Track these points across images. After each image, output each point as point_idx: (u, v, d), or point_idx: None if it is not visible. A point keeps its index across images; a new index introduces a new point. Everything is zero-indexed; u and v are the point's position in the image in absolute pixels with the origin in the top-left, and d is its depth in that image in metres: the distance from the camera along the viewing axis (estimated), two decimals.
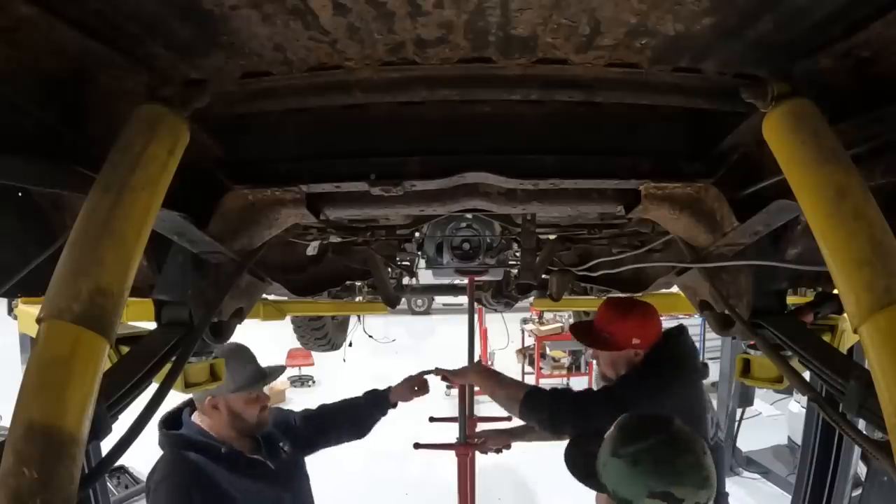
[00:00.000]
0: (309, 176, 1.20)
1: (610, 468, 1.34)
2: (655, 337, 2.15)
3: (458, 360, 3.61)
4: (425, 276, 3.13)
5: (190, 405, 2.03)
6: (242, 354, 2.04)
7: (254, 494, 1.90)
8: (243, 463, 1.93)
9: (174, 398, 1.40)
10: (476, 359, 3.24)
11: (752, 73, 0.90)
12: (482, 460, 3.06)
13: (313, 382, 9.78)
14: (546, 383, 9.43)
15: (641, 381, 2.07)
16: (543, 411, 2.07)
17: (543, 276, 2.51)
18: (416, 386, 2.66)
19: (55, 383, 0.66)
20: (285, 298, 2.89)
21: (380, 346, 6.21)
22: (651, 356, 2.14)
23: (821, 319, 1.58)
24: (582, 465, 1.49)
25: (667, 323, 2.32)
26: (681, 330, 2.25)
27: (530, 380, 9.51)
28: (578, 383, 9.55)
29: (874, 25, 0.76)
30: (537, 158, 1.19)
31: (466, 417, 2.99)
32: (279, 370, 2.13)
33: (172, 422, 1.99)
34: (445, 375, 2.62)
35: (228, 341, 1.46)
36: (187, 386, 1.56)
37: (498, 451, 2.83)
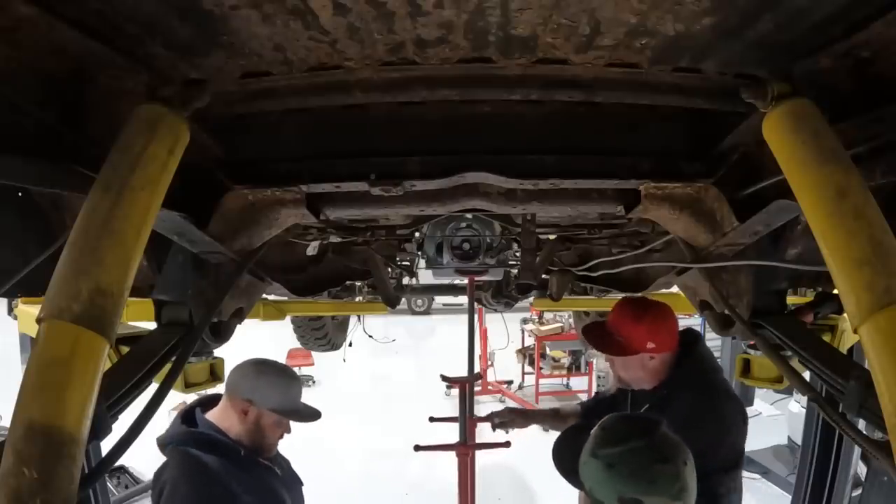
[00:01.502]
0: (309, 176, 1.20)
1: (588, 468, 1.33)
2: (671, 340, 2.00)
3: (458, 360, 3.62)
4: (425, 276, 3.13)
5: (201, 405, 2.03)
6: (298, 384, 2.04)
7: (265, 498, 1.91)
8: (258, 467, 1.94)
9: (174, 398, 1.39)
10: (476, 360, 3.20)
11: (752, 73, 0.90)
12: (482, 460, 3.06)
13: (313, 382, 9.76)
14: (546, 383, 9.42)
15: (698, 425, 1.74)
16: None
17: (543, 276, 2.51)
18: None
19: (55, 383, 0.66)
20: (285, 298, 2.89)
21: (380, 346, 6.21)
22: (681, 381, 1.92)
23: (821, 319, 1.58)
24: (568, 460, 1.47)
25: None
26: (696, 338, 2.09)
27: (530, 379, 9.51)
28: (579, 383, 9.54)
29: (874, 25, 0.76)
30: (537, 158, 1.19)
31: (466, 417, 2.99)
32: (317, 414, 2.05)
33: (186, 421, 1.98)
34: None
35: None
36: (187, 386, 1.56)
37: (505, 430, 2.66)
